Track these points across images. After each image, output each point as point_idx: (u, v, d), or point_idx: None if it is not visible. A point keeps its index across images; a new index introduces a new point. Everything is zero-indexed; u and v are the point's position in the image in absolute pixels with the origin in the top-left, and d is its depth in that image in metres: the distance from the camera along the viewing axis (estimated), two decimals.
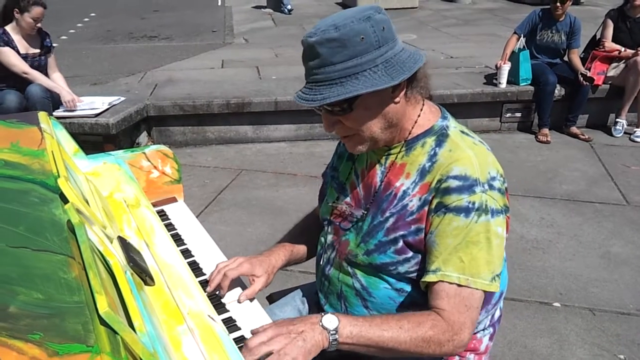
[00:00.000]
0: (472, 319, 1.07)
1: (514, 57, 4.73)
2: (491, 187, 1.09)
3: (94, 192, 1.36)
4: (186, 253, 1.45)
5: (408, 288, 1.18)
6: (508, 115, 4.92)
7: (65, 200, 1.07)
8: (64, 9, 10.51)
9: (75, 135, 1.85)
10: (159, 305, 1.14)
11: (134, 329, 0.82)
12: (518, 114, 4.93)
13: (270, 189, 3.82)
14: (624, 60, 4.74)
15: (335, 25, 1.01)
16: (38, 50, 4.00)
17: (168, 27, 9.06)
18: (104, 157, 1.75)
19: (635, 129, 4.73)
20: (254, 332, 1.03)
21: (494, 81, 4.86)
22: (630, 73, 4.64)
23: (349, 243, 1.22)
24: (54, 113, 3.93)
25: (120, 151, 1.85)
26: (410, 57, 1.07)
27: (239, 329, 1.17)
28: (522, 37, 4.78)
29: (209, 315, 1.13)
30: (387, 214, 1.16)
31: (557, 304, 2.57)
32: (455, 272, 1.06)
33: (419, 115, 1.16)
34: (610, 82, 4.82)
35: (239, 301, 1.26)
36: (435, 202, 1.10)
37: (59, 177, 1.15)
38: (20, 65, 3.83)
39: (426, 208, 1.11)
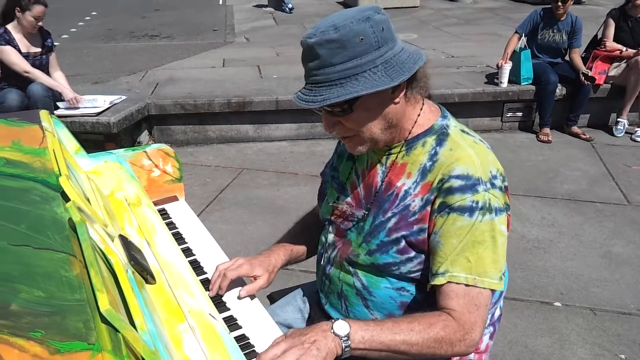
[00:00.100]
0: (483, 318, 1.08)
1: (515, 57, 4.73)
2: (493, 185, 1.09)
3: (95, 191, 1.36)
4: (187, 252, 1.45)
5: (409, 287, 1.18)
6: (509, 114, 4.92)
7: (66, 198, 1.07)
8: (65, 7, 10.52)
9: (76, 134, 1.85)
10: (160, 303, 1.14)
11: (135, 327, 0.82)
12: (519, 114, 4.92)
13: (271, 188, 3.82)
14: (625, 60, 4.74)
15: (334, 26, 1.01)
16: (39, 49, 4.01)
17: (169, 26, 9.05)
18: (105, 155, 1.76)
19: (637, 129, 4.73)
20: (267, 348, 1.01)
21: (495, 80, 4.85)
22: (631, 73, 4.63)
23: (351, 243, 1.22)
24: (55, 112, 3.93)
25: (122, 150, 1.85)
26: (410, 58, 1.07)
27: (240, 327, 1.17)
28: (523, 37, 4.77)
29: (209, 314, 1.13)
30: (389, 214, 1.15)
31: (558, 304, 2.57)
32: (463, 272, 1.06)
33: (418, 115, 1.16)
34: (611, 81, 4.81)
35: (239, 297, 1.26)
36: (438, 202, 1.10)
37: (60, 175, 1.15)
38: (21, 64, 3.83)
39: (429, 208, 1.11)
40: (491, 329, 1.32)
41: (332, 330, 1.01)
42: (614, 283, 2.73)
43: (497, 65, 4.80)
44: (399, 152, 1.17)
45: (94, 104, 4.16)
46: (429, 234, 1.11)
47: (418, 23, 8.93)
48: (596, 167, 4.18)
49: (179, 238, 1.51)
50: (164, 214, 1.66)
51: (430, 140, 1.15)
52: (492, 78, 4.96)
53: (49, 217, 1.01)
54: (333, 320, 1.03)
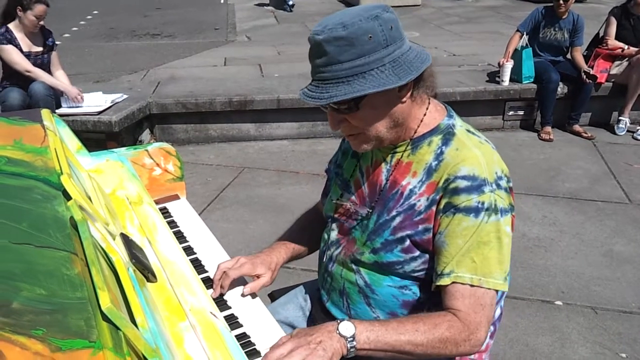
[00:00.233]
0: (488, 318, 1.08)
1: (516, 55, 4.72)
2: (499, 186, 1.09)
3: (97, 189, 1.37)
4: (188, 250, 1.45)
5: (412, 286, 1.18)
6: (511, 113, 4.91)
7: (68, 197, 1.07)
8: (66, 6, 10.52)
9: (78, 133, 1.85)
10: (161, 301, 1.14)
11: (136, 325, 0.83)
12: (521, 112, 4.91)
13: (272, 186, 3.82)
14: (627, 58, 4.73)
15: (343, 24, 1.01)
16: (41, 48, 4.01)
17: (171, 25, 9.05)
18: (106, 154, 1.76)
19: (638, 127, 4.72)
20: (273, 347, 1.02)
21: (497, 79, 4.84)
22: (633, 71, 4.62)
23: (356, 241, 1.22)
24: (57, 110, 3.94)
25: (123, 149, 1.85)
26: (418, 57, 1.06)
27: (241, 325, 1.18)
28: (525, 35, 4.77)
29: (211, 312, 1.13)
30: (394, 213, 1.15)
31: (559, 303, 2.57)
32: (468, 272, 1.06)
33: (424, 114, 1.16)
34: (613, 80, 4.80)
35: (242, 294, 1.26)
36: (443, 202, 1.10)
37: (62, 174, 1.15)
38: (23, 63, 3.84)
39: (434, 208, 1.11)
40: (492, 328, 1.32)
41: (337, 331, 1.01)
42: (615, 282, 2.72)
43: (499, 64, 4.79)
44: (405, 150, 1.17)
45: (95, 102, 4.16)
46: (434, 233, 1.11)
47: (420, 21, 8.92)
48: (598, 166, 4.17)
49: (180, 237, 1.51)
50: (165, 212, 1.66)
51: (436, 140, 1.15)
52: (494, 76, 4.95)
53: (51, 216, 1.01)
54: (338, 321, 1.03)
